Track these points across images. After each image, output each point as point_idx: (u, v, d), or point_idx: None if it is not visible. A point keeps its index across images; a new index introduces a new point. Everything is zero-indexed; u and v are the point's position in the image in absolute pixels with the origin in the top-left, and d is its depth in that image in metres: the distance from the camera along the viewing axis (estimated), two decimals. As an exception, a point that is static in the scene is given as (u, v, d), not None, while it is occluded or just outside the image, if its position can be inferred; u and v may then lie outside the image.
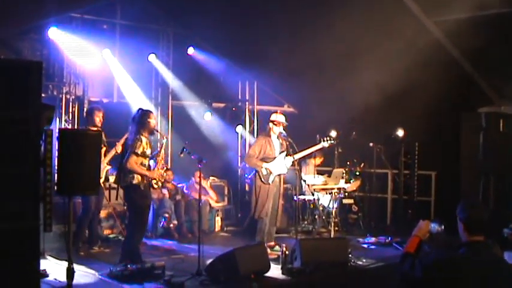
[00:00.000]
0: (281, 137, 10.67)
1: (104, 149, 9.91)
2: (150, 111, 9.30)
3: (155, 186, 9.02)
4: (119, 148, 10.05)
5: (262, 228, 10.55)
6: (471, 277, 4.29)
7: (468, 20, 10.35)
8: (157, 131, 9.40)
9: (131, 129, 9.08)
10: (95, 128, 9.94)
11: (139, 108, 9.29)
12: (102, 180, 10.08)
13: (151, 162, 9.12)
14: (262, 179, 10.49)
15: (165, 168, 9.13)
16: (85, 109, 11.98)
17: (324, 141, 11.15)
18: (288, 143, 10.56)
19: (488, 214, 4.70)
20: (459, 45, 11.28)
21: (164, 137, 9.31)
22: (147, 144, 8.95)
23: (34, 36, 11.67)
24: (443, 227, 4.91)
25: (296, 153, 10.67)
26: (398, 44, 10.62)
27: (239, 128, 15.32)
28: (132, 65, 12.95)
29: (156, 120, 9.29)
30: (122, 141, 9.91)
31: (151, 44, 13.50)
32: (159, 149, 9.20)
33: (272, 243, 10.55)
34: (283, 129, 10.67)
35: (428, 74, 11.63)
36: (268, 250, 9.73)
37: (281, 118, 10.76)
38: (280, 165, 10.63)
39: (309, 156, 12.31)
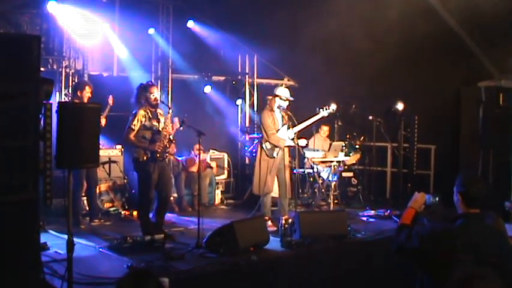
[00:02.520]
0: (282, 110, 10.58)
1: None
2: (149, 85, 9.31)
3: (159, 158, 9.03)
4: (102, 121, 10.03)
5: (265, 202, 10.51)
6: (466, 248, 4.33)
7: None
8: (162, 102, 9.38)
9: None
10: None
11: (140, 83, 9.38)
12: None
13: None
14: (267, 154, 10.38)
15: (167, 140, 9.07)
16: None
17: (323, 110, 11.02)
18: (288, 116, 10.51)
19: (487, 189, 4.73)
20: (460, 18, 11.22)
21: (169, 109, 9.26)
22: (144, 117, 9.02)
23: (33, 10, 11.60)
24: (437, 198, 4.94)
25: (297, 125, 10.60)
26: (398, 17, 10.57)
27: (239, 101, 15.33)
28: (132, 38, 12.89)
29: (157, 91, 9.26)
30: (105, 114, 10.05)
31: (151, 18, 13.41)
32: (164, 121, 9.20)
33: (286, 216, 10.14)
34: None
35: (428, 48, 11.62)
36: (283, 221, 9.53)
37: (286, 92, 10.63)
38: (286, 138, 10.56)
39: (316, 130, 12.33)
